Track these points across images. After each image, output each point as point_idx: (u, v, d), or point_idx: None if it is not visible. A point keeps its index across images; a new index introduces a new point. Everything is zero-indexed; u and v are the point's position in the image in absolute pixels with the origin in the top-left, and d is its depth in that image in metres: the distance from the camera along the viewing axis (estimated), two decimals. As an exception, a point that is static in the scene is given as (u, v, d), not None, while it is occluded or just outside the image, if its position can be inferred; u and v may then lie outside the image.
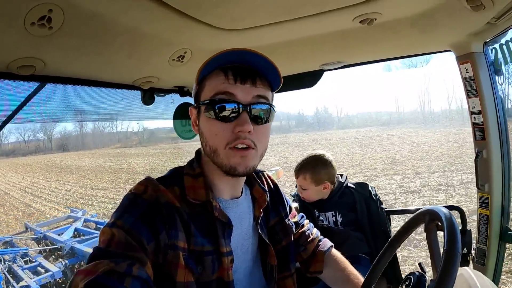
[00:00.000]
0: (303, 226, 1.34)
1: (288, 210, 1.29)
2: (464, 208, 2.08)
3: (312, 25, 1.44)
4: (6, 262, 7.75)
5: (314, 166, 2.08)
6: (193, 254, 0.92)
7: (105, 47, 1.28)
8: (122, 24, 1.16)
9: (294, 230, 1.26)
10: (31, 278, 6.94)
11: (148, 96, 1.93)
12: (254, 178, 1.17)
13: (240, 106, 0.92)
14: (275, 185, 1.28)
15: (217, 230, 0.97)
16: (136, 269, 0.76)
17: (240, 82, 0.93)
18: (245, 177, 1.09)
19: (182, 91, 2.08)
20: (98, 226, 10.14)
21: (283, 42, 1.60)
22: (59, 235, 9.51)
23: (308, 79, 2.19)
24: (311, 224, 1.39)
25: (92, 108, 1.81)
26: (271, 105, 0.98)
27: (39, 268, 7.73)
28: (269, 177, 1.28)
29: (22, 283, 6.69)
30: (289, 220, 1.25)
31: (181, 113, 2.18)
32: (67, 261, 7.90)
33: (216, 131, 0.93)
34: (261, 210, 1.13)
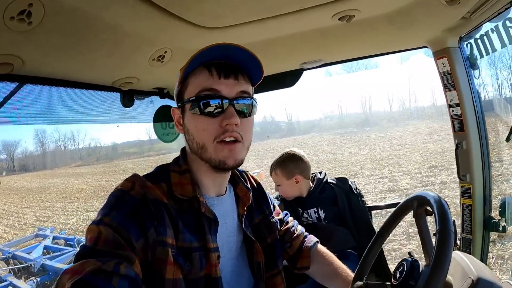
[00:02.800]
0: (287, 223, 1.36)
1: (272, 208, 1.31)
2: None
3: (292, 23, 1.47)
4: None
5: (282, 161, 2.19)
6: (182, 250, 0.92)
7: (86, 45, 1.26)
8: (104, 21, 1.15)
9: (278, 227, 1.29)
10: None
11: (128, 98, 1.91)
12: (238, 177, 1.19)
13: (226, 101, 0.95)
14: (258, 184, 1.31)
15: (204, 226, 0.98)
16: (124, 268, 0.75)
17: (224, 78, 0.96)
18: (229, 174, 1.12)
19: (162, 93, 2.07)
20: (68, 242, 9.93)
21: (263, 41, 1.63)
22: (28, 253, 9.23)
23: (288, 78, 2.22)
24: (296, 221, 1.41)
25: (71, 110, 1.77)
26: (253, 99, 1.02)
27: (10, 287, 7.47)
28: (252, 176, 1.31)
29: None
30: (273, 217, 1.28)
31: (161, 116, 2.17)
32: (39, 279, 7.69)
33: (203, 127, 0.96)
34: (245, 208, 1.15)
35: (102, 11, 1.09)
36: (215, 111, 0.95)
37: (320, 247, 1.34)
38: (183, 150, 1.09)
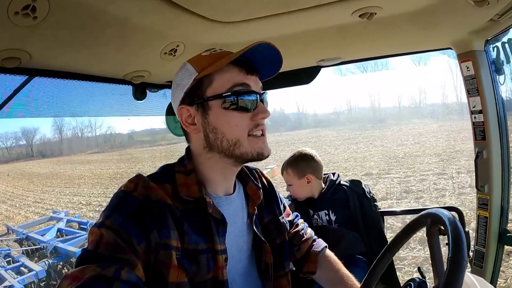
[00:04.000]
0: (297, 225, 1.33)
1: (282, 208, 1.28)
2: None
3: (309, 19, 1.41)
4: None
5: (294, 161, 2.15)
6: (187, 252, 0.90)
7: (93, 39, 1.24)
8: (112, 15, 1.12)
9: (288, 228, 1.26)
10: (14, 278, 6.93)
11: (140, 91, 1.88)
12: (247, 175, 1.16)
13: (258, 95, 0.98)
14: (269, 182, 1.28)
15: (211, 227, 0.95)
16: (125, 273, 0.74)
17: (251, 74, 0.98)
18: (238, 170, 1.09)
19: None
20: (81, 226, 10.22)
21: (279, 37, 1.56)
22: (42, 235, 9.50)
23: (304, 75, 2.16)
24: (306, 224, 1.38)
25: (82, 103, 1.77)
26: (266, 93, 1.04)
27: (22, 268, 7.73)
28: (263, 174, 1.27)
29: (6, 283, 6.66)
30: (283, 218, 1.24)
31: (173, 109, 2.11)
32: (50, 261, 7.91)
33: (237, 122, 0.95)
34: (255, 208, 1.12)
35: (108, 5, 1.06)
36: (249, 105, 0.96)
37: (328, 252, 1.32)
38: (188, 150, 1.05)
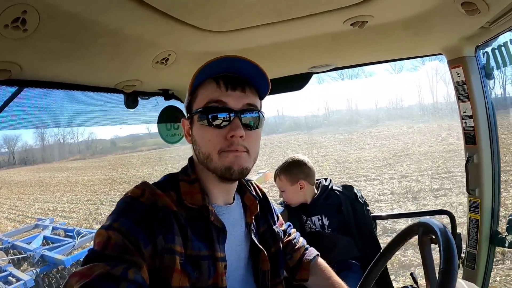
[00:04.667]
0: (290, 234, 1.37)
1: (276, 218, 1.31)
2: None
3: (302, 27, 1.41)
4: None
5: (287, 167, 2.16)
6: (190, 258, 0.92)
7: (85, 49, 1.23)
8: (103, 25, 1.11)
9: (282, 237, 1.28)
10: None
11: (132, 100, 1.86)
12: (245, 186, 1.19)
13: (231, 114, 0.96)
14: (263, 193, 1.31)
15: (213, 235, 0.98)
16: (132, 273, 0.75)
17: (231, 90, 0.97)
18: (236, 184, 1.12)
19: (166, 94, 2.02)
20: (67, 233, 10.01)
21: (272, 44, 1.57)
22: (28, 244, 9.31)
23: (296, 81, 2.17)
24: (298, 233, 1.41)
25: (73, 113, 1.74)
26: (260, 112, 1.03)
27: (10, 277, 7.55)
28: (258, 185, 1.31)
29: None
30: (277, 227, 1.27)
31: (166, 116, 2.11)
32: (38, 269, 7.75)
33: (209, 137, 0.97)
34: (253, 217, 1.15)
35: (99, 15, 1.06)
36: (222, 123, 0.96)
37: (320, 260, 1.34)
38: (190, 160, 1.09)
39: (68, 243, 8.67)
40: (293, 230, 1.41)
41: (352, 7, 1.26)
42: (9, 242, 9.83)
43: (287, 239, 1.34)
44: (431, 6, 1.31)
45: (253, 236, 1.13)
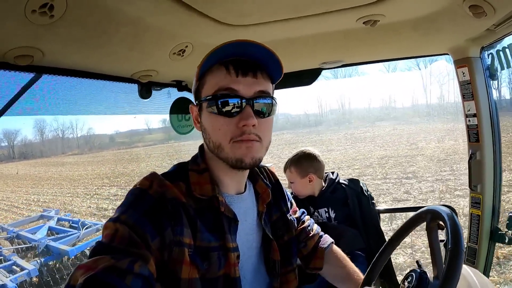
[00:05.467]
0: (303, 222, 1.32)
1: (289, 205, 1.27)
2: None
3: (316, 24, 1.43)
4: None
5: (297, 159, 2.17)
6: (199, 250, 0.90)
7: (107, 38, 1.23)
8: (126, 14, 1.12)
9: (295, 225, 1.25)
10: (6, 277, 6.81)
11: (146, 90, 1.88)
12: (257, 173, 1.15)
13: (243, 100, 0.90)
14: (277, 180, 1.26)
15: (223, 225, 0.95)
16: (138, 267, 0.74)
17: (242, 76, 0.91)
18: (248, 171, 1.08)
19: (180, 85, 2.04)
20: (72, 224, 10.03)
21: (285, 40, 1.59)
22: (32, 234, 9.35)
23: (306, 76, 2.20)
24: (312, 220, 1.37)
25: (88, 101, 1.75)
26: (273, 98, 0.97)
27: (14, 267, 7.56)
28: (271, 172, 1.27)
29: None
30: (290, 215, 1.23)
31: (177, 108, 2.13)
32: (42, 259, 7.76)
33: (220, 126, 0.92)
34: (265, 206, 1.11)
35: (124, 4, 1.06)
36: (232, 111, 0.90)
37: (334, 248, 1.32)
38: (201, 148, 1.06)
39: (73, 234, 8.65)
40: (307, 217, 1.37)
41: (366, 6, 1.28)
42: (14, 232, 9.83)
43: (301, 226, 1.30)
44: (440, 7, 1.33)
45: (264, 225, 1.10)
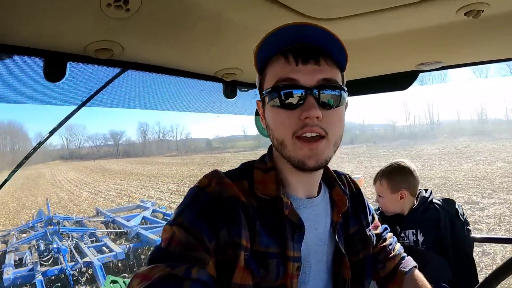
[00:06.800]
0: (385, 240, 1.15)
1: (370, 219, 1.12)
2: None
3: (410, 17, 1.26)
4: (74, 239, 8.62)
5: (390, 172, 1.97)
6: (256, 255, 0.82)
7: (185, 33, 1.20)
8: (205, 9, 1.08)
9: (374, 242, 1.10)
10: (94, 256, 7.63)
11: (230, 89, 1.84)
12: (334, 179, 1.03)
13: (305, 90, 0.82)
14: (358, 189, 1.12)
15: (286, 230, 0.86)
16: (196, 272, 0.70)
17: (302, 64, 0.82)
18: (319, 174, 0.97)
19: None
20: (165, 217, 10.84)
21: (376, 37, 1.45)
22: (127, 221, 10.33)
23: (401, 80, 1.96)
24: (394, 239, 1.19)
25: (172, 97, 1.78)
26: (340, 87, 0.85)
27: (104, 248, 8.44)
28: (352, 180, 1.13)
29: (86, 259, 7.35)
30: (370, 230, 1.09)
31: None
32: (131, 245, 8.53)
33: (281, 120, 0.84)
34: (340, 215, 0.99)
35: None
36: (294, 102, 0.82)
37: (417, 273, 1.12)
38: (270, 146, 0.99)
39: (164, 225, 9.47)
40: (389, 234, 1.19)
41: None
42: (110, 217, 11.01)
43: (382, 245, 1.13)
44: None
45: (337, 238, 0.97)
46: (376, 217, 1.19)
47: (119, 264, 8.36)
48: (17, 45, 1.10)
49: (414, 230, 1.93)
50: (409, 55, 1.69)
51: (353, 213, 1.06)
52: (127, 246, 8.54)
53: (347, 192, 1.03)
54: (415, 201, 2.00)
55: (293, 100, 0.83)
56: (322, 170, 0.96)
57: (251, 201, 0.86)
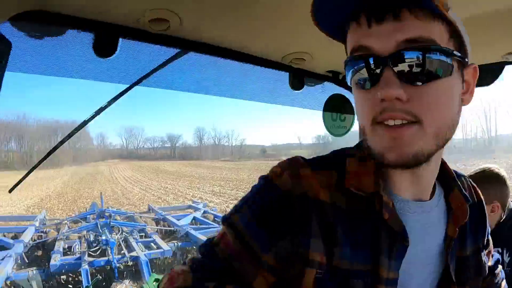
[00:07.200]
0: (495, 275, 0.89)
1: (485, 242, 0.84)
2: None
3: None
4: (123, 233, 9.00)
5: (481, 179, 1.61)
6: (336, 272, 0.61)
7: (250, 8, 1.05)
8: None
9: (486, 272, 0.83)
10: (142, 251, 7.88)
11: (298, 80, 1.65)
12: (453, 179, 0.77)
13: (378, 61, 0.58)
14: (480, 200, 0.85)
15: (381, 241, 0.63)
16: None
17: (376, 23, 0.57)
18: (435, 170, 0.70)
19: (336, 78, 1.70)
20: (215, 219, 11.03)
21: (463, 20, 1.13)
22: (178, 220, 10.60)
23: (485, 74, 1.54)
24: (503, 273, 0.93)
25: (235, 84, 1.67)
26: (439, 49, 0.57)
27: (152, 244, 8.72)
28: (474, 186, 0.86)
29: (133, 253, 7.62)
30: (485, 255, 0.82)
31: (332, 105, 1.85)
32: (179, 243, 8.72)
33: (360, 104, 0.64)
34: (457, 229, 0.72)
35: None
36: (368, 79, 0.59)
37: None
38: None
39: (214, 227, 9.55)
40: (500, 267, 0.92)
41: None
42: (162, 215, 11.39)
43: (491, 279, 0.87)
44: None
45: (449, 259, 0.71)
46: (491, 241, 0.89)
47: (165, 262, 8.51)
48: (69, 14, 1.03)
49: (499, 249, 1.65)
50: (494, 43, 1.33)
51: (471, 228, 0.79)
52: (175, 244, 8.75)
53: (469, 199, 0.75)
54: (502, 215, 1.71)
55: (367, 76, 0.60)
56: (437, 166, 0.71)
57: (338, 198, 0.65)
